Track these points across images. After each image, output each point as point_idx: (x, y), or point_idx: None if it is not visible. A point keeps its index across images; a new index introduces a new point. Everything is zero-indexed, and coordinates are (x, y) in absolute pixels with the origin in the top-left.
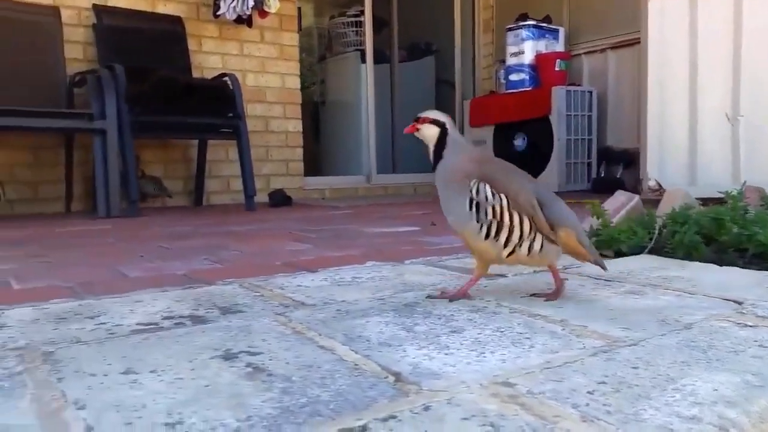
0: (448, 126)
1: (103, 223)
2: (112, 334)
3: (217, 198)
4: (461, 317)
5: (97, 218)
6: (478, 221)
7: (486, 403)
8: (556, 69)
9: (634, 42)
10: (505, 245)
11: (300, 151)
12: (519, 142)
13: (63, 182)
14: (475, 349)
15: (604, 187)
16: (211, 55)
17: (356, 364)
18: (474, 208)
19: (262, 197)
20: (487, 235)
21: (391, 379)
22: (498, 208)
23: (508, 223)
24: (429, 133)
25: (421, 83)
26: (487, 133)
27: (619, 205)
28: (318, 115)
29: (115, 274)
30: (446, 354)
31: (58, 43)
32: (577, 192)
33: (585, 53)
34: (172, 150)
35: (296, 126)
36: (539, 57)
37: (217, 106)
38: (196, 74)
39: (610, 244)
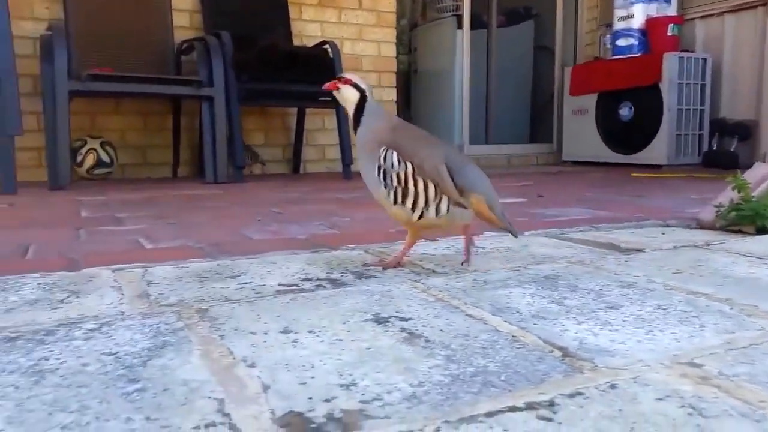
0: (367, 92)
1: (212, 188)
2: (258, 294)
3: (313, 166)
4: (612, 293)
5: (205, 183)
6: (386, 187)
7: (678, 383)
8: (668, 34)
9: (756, 4)
10: (413, 209)
11: None
12: (624, 112)
13: (170, 148)
14: (641, 326)
15: (717, 161)
16: (310, 23)
17: (514, 336)
18: (381, 175)
19: (355, 166)
20: (395, 201)
21: (558, 353)
22: (402, 175)
23: (413, 189)
24: (349, 96)
25: (519, 50)
26: (589, 101)
27: (760, 178)
28: (409, 84)
29: (240, 237)
30: (611, 330)
31: (167, 11)
32: (687, 166)
33: (700, 17)
34: (272, 118)
35: (390, 95)
36: (650, 21)
37: (318, 74)
38: (295, 42)
39: (752, 219)
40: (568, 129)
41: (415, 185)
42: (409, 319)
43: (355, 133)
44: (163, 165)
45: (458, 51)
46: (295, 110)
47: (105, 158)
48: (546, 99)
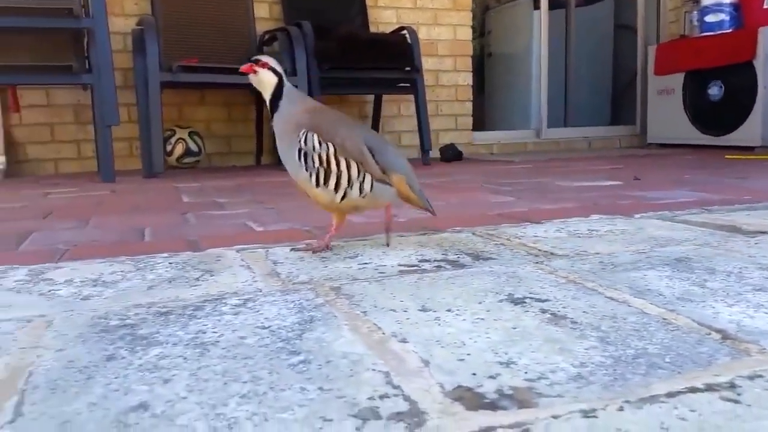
0: (284, 77)
1: None
2: (382, 273)
3: None
4: (754, 275)
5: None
6: (307, 170)
7: None
8: (765, 7)
9: None
10: (336, 190)
11: (469, 106)
12: (714, 91)
13: (253, 137)
14: None
15: None
16: (385, 10)
17: (665, 319)
18: (303, 158)
19: (434, 152)
20: (318, 183)
21: (716, 336)
22: (324, 156)
23: (335, 169)
24: (266, 80)
25: (599, 29)
26: (676, 81)
27: None
28: (482, 67)
29: None
30: (766, 313)
31: (248, 3)
32: None
33: None
34: (349, 106)
35: (466, 79)
36: None
37: (396, 60)
38: (372, 29)
39: None
40: (652, 110)
41: (338, 165)
42: (546, 300)
43: (272, 119)
44: (247, 154)
45: (535, 32)
46: (371, 98)
47: (193, 147)
48: (628, 79)
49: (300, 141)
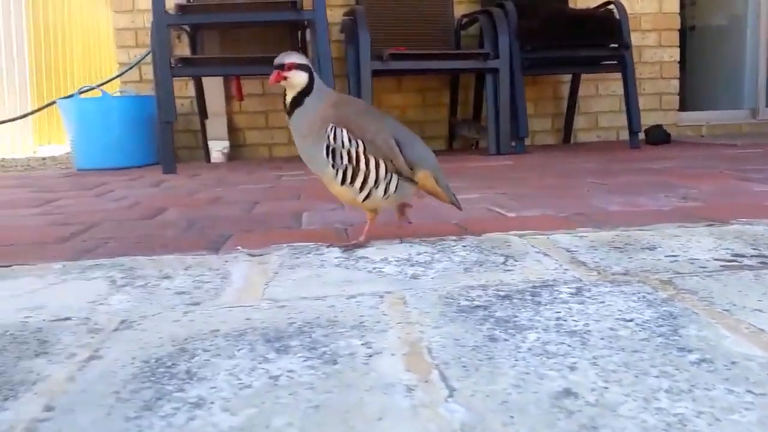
0: (313, 70)
1: (500, 159)
2: (703, 268)
3: (584, 135)
4: None
5: (488, 155)
6: (333, 167)
7: None
8: None
9: None
10: (361, 189)
11: (676, 83)
12: None
13: (445, 122)
14: None
15: None
16: None
17: None
18: (330, 155)
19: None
20: (343, 180)
21: None
22: (354, 153)
23: (364, 168)
24: (299, 81)
25: None
26: None
27: None
28: (684, 42)
29: (593, 207)
30: None
31: None
32: None
33: None
34: (543, 87)
35: (672, 55)
36: None
37: (603, 37)
38: (571, 5)
39: None
40: None
41: (367, 163)
42: None
43: (290, 114)
44: (438, 138)
45: (750, 0)
46: (567, 78)
47: None
48: None
49: (329, 137)
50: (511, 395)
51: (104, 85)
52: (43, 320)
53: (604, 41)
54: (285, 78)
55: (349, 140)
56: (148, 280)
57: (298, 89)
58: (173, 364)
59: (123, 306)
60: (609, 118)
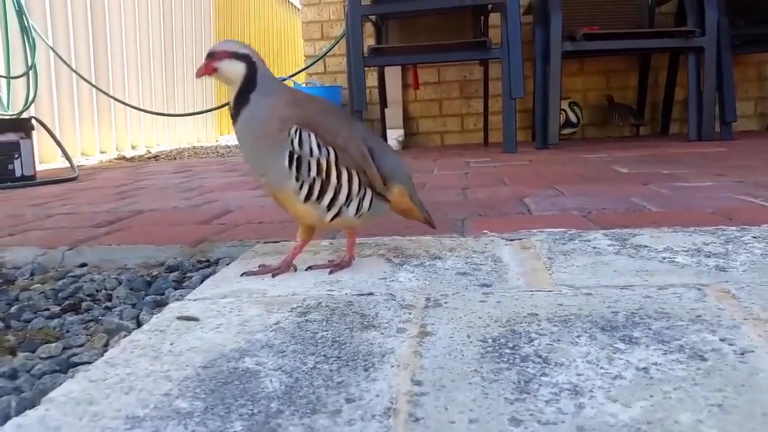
0: (255, 60)
1: (707, 145)
2: None
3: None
4: None
5: (689, 141)
6: (297, 180)
7: None
8: None
9: None
10: (329, 207)
11: None
12: None
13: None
14: None
15: None
16: None
17: None
18: (294, 164)
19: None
20: (308, 197)
21: None
22: (324, 163)
23: (335, 182)
24: (233, 72)
25: None
26: None
27: None
28: None
29: None
30: None
31: None
32: None
33: None
34: (744, 67)
35: None
36: None
37: None
38: None
39: None
40: None
41: (338, 176)
42: None
43: (236, 117)
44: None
45: None
46: None
47: (573, 118)
48: None
49: (292, 141)
50: None
51: (293, 77)
52: (347, 294)
53: None
54: (215, 69)
55: (319, 147)
56: (421, 260)
57: (237, 84)
58: (515, 345)
59: (414, 284)
60: None
